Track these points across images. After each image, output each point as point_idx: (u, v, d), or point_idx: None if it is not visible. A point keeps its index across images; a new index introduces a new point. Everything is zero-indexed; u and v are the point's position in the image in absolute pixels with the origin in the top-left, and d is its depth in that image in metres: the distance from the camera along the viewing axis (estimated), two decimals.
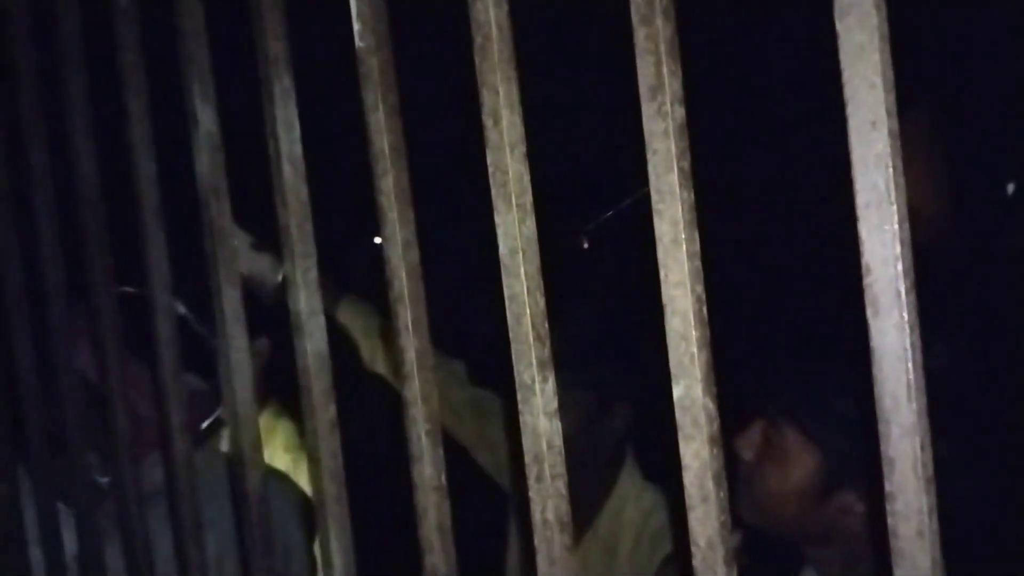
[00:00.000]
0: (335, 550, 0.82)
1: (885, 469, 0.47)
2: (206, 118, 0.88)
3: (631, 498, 1.50)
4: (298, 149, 0.79)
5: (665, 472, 1.54)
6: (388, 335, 1.62)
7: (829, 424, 1.11)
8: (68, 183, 1.10)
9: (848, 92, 0.46)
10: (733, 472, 1.16)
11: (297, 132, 0.79)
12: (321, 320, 0.81)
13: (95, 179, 1.08)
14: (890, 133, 0.45)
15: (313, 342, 0.81)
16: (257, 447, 0.91)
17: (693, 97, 0.56)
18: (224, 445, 1.82)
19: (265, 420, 1.75)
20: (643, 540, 1.46)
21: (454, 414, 1.63)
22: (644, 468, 1.57)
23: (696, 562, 0.56)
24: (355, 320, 1.64)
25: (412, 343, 0.72)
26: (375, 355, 1.66)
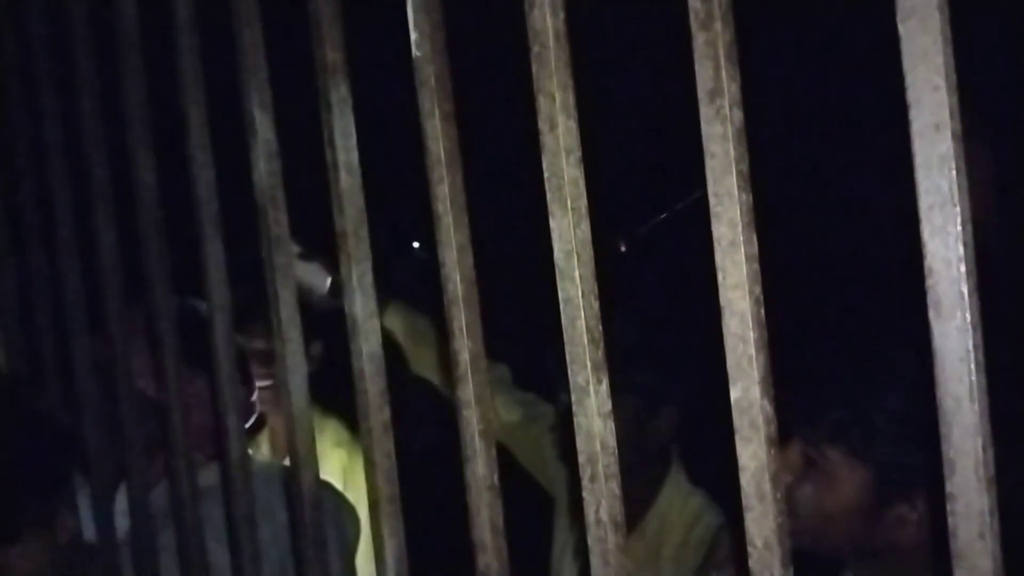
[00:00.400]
0: (389, 549, 0.83)
1: (946, 470, 0.48)
2: (264, 127, 0.90)
3: (677, 502, 1.50)
4: (355, 157, 0.81)
5: (711, 476, 1.53)
6: (436, 339, 1.64)
7: (877, 439, 1.09)
8: (128, 192, 1.14)
9: (911, 95, 0.46)
10: None
11: (354, 140, 0.81)
12: (376, 323, 0.83)
13: (154, 188, 1.12)
14: (953, 135, 0.46)
15: (369, 344, 0.83)
16: (312, 448, 0.93)
17: (750, 100, 0.57)
18: (264, 448, 1.85)
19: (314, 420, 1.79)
20: (688, 545, 1.46)
21: (498, 417, 1.64)
22: (689, 472, 1.57)
23: (752, 562, 0.56)
24: (401, 324, 1.67)
25: (466, 345, 0.74)
26: (421, 359, 1.67)
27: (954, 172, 0.45)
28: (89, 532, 1.30)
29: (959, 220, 0.46)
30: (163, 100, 1.08)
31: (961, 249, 0.46)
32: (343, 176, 0.80)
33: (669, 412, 1.53)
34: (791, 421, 1.17)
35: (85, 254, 1.27)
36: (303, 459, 0.92)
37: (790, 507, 1.13)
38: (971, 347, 0.46)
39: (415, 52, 0.72)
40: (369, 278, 0.82)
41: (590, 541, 0.66)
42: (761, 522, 0.55)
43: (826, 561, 1.18)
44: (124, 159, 1.13)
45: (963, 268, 0.46)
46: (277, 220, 0.90)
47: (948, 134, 0.45)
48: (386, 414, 0.83)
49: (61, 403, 1.37)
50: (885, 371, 1.11)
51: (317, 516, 0.94)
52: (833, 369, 1.22)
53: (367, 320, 0.82)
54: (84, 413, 1.29)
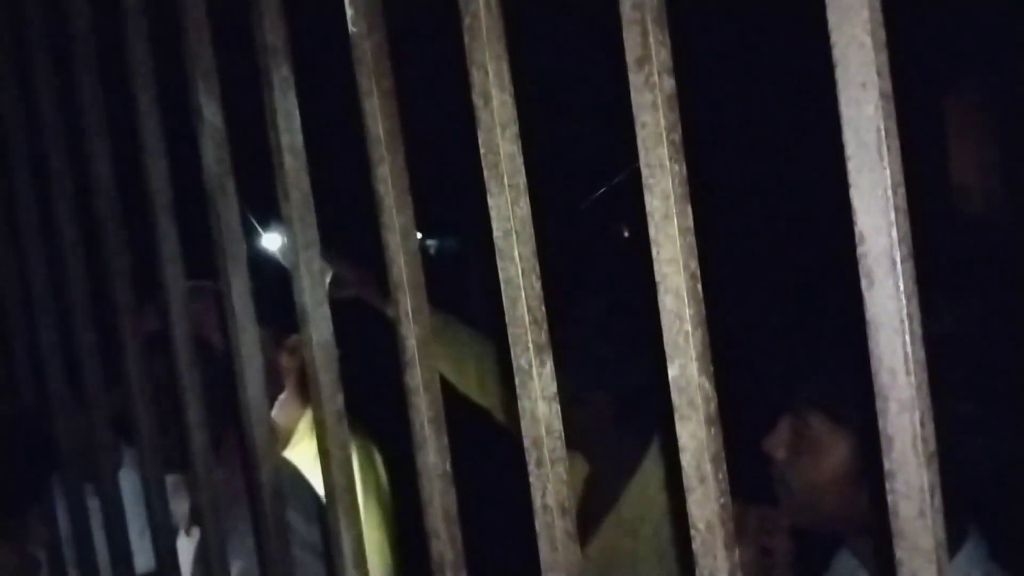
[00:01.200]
0: (345, 541, 0.82)
1: (884, 446, 0.46)
2: (210, 112, 0.88)
3: (655, 480, 1.49)
4: (299, 139, 0.79)
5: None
6: (477, 357, 1.61)
7: (854, 403, 1.08)
8: (86, 184, 1.12)
9: (836, 53, 0.44)
10: (770, 476, 1.13)
11: (297, 122, 0.79)
12: (326, 310, 0.81)
13: (110, 179, 1.09)
14: (882, 94, 0.43)
15: (319, 332, 0.81)
16: (269, 440, 0.91)
17: (685, 71, 0.55)
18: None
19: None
20: (667, 522, 1.45)
21: (453, 360, 1.62)
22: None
23: (696, 545, 0.54)
24: (438, 340, 1.61)
25: (412, 331, 0.72)
26: (466, 377, 1.64)
27: (883, 132, 0.43)
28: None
29: (889, 184, 0.44)
30: (117, 91, 1.06)
31: (892, 214, 0.44)
32: (287, 158, 0.78)
33: (645, 400, 1.51)
34: (782, 398, 1.16)
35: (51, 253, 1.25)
36: (261, 452, 0.90)
37: (786, 485, 1.13)
38: (905, 316, 0.44)
39: (351, 28, 0.69)
40: (317, 264, 0.80)
41: (537, 527, 0.64)
42: (703, 504, 0.54)
43: (824, 539, 1.16)
44: (80, 152, 1.11)
45: (895, 234, 0.44)
46: (227, 206, 0.88)
47: (876, 93, 0.43)
48: (339, 403, 0.81)
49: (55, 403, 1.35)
50: (855, 342, 1.10)
51: (278, 507, 0.92)
52: (809, 335, 1.20)
53: (316, 307, 0.80)
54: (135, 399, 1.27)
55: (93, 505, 1.28)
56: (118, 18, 0.99)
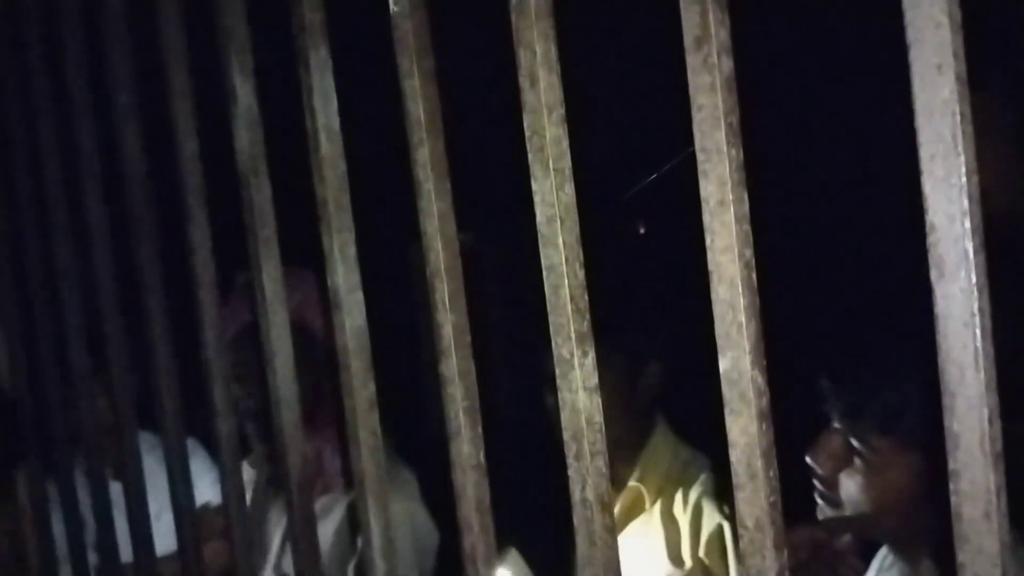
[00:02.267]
0: (375, 528, 0.81)
1: (949, 445, 0.44)
2: (245, 94, 0.87)
3: (665, 453, 1.49)
4: (336, 122, 0.78)
5: (699, 436, 1.50)
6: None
7: (921, 424, 1.03)
8: (114, 167, 1.11)
9: (911, 34, 0.42)
10: (809, 488, 1.10)
11: (335, 104, 0.78)
12: (359, 296, 0.80)
13: (142, 161, 1.09)
14: (957, 78, 0.42)
15: (352, 319, 0.79)
16: (298, 428, 0.90)
17: (745, 52, 0.53)
18: None
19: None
20: (684, 486, 1.45)
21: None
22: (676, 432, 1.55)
23: (744, 544, 0.53)
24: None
25: (449, 318, 0.70)
26: None
27: (958, 117, 0.41)
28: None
29: (963, 171, 0.42)
30: (148, 73, 1.05)
31: (966, 202, 0.42)
32: (323, 141, 0.77)
33: (655, 367, 1.51)
34: (827, 408, 1.11)
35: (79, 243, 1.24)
36: (289, 441, 0.89)
37: (832, 498, 1.08)
38: (976, 311, 0.42)
39: (392, 7, 0.68)
40: (352, 249, 0.79)
41: (576, 521, 0.63)
42: (752, 501, 0.52)
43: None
44: (111, 134, 1.10)
45: (967, 224, 0.42)
46: (259, 189, 0.87)
47: (952, 76, 0.41)
48: (371, 390, 0.80)
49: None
50: (927, 353, 1.04)
51: (306, 498, 0.91)
52: (872, 355, 1.14)
53: (350, 293, 0.79)
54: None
55: (114, 488, 1.28)
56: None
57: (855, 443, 1.06)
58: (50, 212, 1.27)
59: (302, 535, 0.91)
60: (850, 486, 1.06)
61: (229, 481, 1.00)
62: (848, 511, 1.08)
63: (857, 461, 1.06)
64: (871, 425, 1.05)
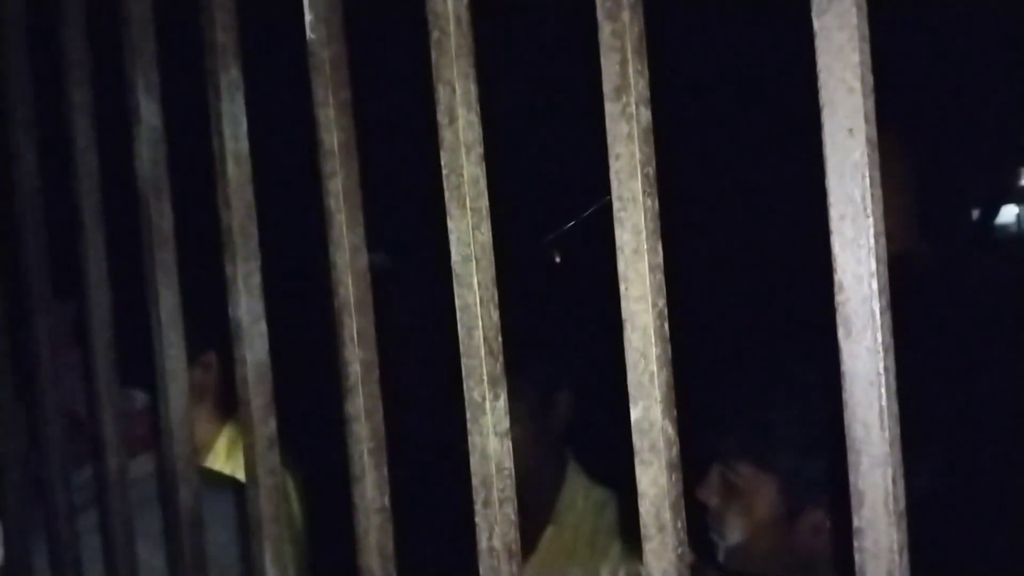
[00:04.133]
0: (270, 572, 0.77)
1: (854, 502, 0.44)
2: (149, 112, 0.83)
3: (580, 493, 1.49)
4: (244, 146, 0.75)
5: (608, 470, 1.51)
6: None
7: (780, 449, 1.11)
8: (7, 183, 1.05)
9: (824, 96, 0.43)
10: (704, 524, 1.15)
11: (244, 128, 0.75)
12: (263, 327, 0.76)
13: (36, 176, 1.03)
14: (868, 141, 0.42)
15: (253, 351, 0.76)
16: (190, 461, 0.86)
17: (660, 99, 0.53)
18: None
19: (231, 434, 1.64)
20: (600, 533, 1.45)
21: None
22: (586, 469, 1.55)
23: None
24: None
25: (357, 355, 0.68)
26: None
27: (867, 180, 0.42)
28: None
29: (872, 233, 0.42)
30: (47, 86, 0.99)
31: (873, 264, 0.43)
32: (231, 166, 0.74)
33: (566, 397, 1.51)
34: (712, 445, 1.18)
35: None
36: (181, 472, 0.85)
37: (722, 531, 1.14)
38: (882, 370, 0.43)
39: (309, 35, 0.66)
40: (257, 278, 0.76)
41: (482, 570, 0.61)
42: (660, 553, 0.51)
43: None
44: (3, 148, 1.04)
45: (875, 285, 0.43)
46: (160, 212, 0.83)
47: (863, 139, 0.42)
48: (271, 427, 0.77)
49: None
50: (784, 381, 1.13)
51: (197, 535, 0.87)
52: (735, 384, 1.24)
53: (253, 324, 0.76)
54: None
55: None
56: (56, 8, 0.93)
57: (725, 472, 1.13)
58: None
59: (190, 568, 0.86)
60: (728, 520, 1.12)
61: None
62: (732, 543, 1.14)
63: (730, 492, 1.13)
64: (732, 449, 1.12)
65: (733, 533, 1.14)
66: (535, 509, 1.47)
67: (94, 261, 0.92)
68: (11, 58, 1.01)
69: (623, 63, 0.50)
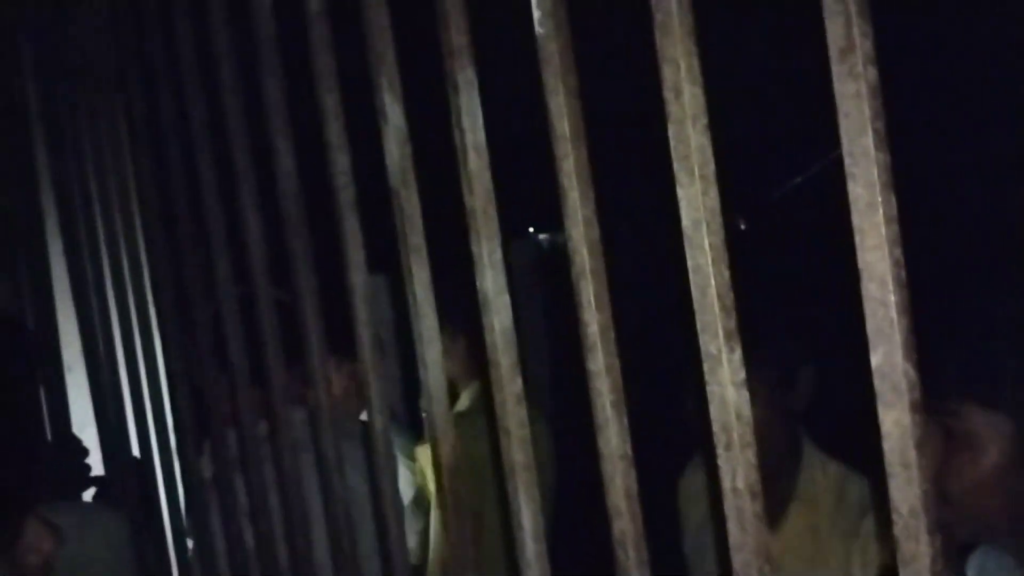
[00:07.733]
0: (525, 516, 0.86)
1: None
2: (394, 113, 0.94)
3: (818, 467, 1.49)
4: (482, 138, 0.83)
5: (844, 447, 1.50)
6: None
7: (1007, 379, 0.98)
8: (270, 181, 1.21)
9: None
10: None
11: (481, 121, 0.83)
12: (506, 298, 0.85)
13: (294, 176, 1.18)
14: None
15: (500, 319, 0.85)
16: (447, 420, 0.97)
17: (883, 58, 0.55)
18: None
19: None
20: (842, 507, 1.45)
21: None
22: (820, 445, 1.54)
23: (898, 530, 0.55)
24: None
25: (595, 317, 0.75)
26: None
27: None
28: None
29: None
30: (300, 92, 1.14)
31: None
32: (471, 156, 0.83)
33: (807, 373, 1.51)
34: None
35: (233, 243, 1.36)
36: (440, 429, 0.96)
37: (943, 491, 1.03)
38: None
39: (538, 30, 0.73)
40: (499, 255, 0.85)
41: (727, 510, 0.66)
42: (905, 489, 0.54)
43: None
44: (265, 151, 1.20)
45: None
46: (409, 200, 0.94)
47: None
48: (518, 385, 0.86)
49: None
50: (996, 309, 0.99)
51: (457, 485, 0.98)
52: (949, 315, 1.09)
53: (498, 296, 0.85)
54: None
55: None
56: (302, 22, 1.06)
57: (946, 419, 0.99)
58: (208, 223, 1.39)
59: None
60: (951, 473, 1.00)
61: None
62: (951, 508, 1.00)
63: (952, 443, 0.99)
64: (952, 391, 0.99)
65: (959, 492, 1.02)
66: (778, 486, 1.50)
67: (352, 247, 1.06)
68: (266, 70, 1.17)
69: (847, 26, 0.52)
